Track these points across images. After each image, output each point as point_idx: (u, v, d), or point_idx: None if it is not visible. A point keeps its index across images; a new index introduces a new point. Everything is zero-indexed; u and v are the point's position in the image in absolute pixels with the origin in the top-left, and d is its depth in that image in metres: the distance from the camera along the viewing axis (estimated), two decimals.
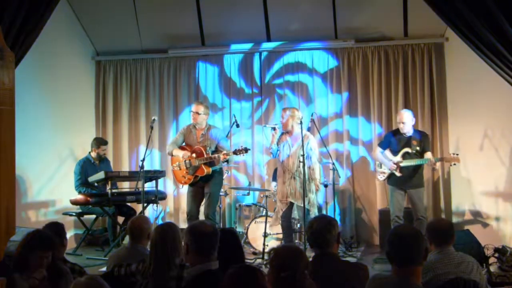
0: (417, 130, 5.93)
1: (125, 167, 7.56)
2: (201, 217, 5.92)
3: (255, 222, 6.25)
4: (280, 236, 6.05)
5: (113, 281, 2.89)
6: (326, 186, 6.51)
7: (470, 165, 6.21)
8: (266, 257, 5.66)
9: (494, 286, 4.31)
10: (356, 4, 6.81)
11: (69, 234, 6.66)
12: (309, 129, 6.18)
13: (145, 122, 7.58)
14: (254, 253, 6.13)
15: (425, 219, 5.60)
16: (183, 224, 7.03)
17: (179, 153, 5.84)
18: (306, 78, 7.33)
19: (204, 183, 5.82)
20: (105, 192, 6.32)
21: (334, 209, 6.60)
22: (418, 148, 5.70)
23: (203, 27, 7.28)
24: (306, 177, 5.48)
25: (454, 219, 6.57)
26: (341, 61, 7.18)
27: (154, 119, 6.09)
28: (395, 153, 5.78)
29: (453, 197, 6.78)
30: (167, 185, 7.46)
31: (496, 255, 4.81)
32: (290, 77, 7.37)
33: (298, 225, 6.22)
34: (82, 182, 6.52)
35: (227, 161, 5.81)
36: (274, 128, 5.80)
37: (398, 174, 5.70)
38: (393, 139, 5.83)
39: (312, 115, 6.22)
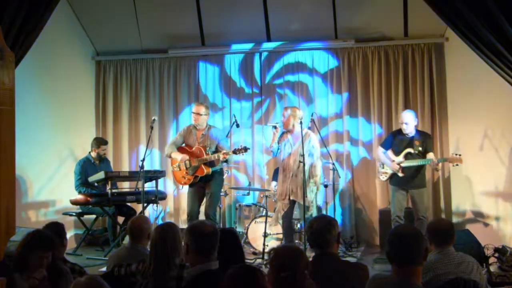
0: (419, 130, 5.94)
1: (125, 167, 7.56)
2: (201, 217, 5.91)
3: (255, 222, 6.25)
4: (280, 236, 6.05)
5: (113, 281, 2.89)
6: (326, 186, 6.51)
7: (470, 165, 6.21)
8: (266, 257, 5.66)
9: (494, 286, 4.31)
10: (356, 4, 6.81)
11: (69, 234, 6.66)
12: (309, 129, 6.17)
13: (145, 122, 7.58)
14: (254, 253, 6.13)
15: (425, 219, 5.60)
16: (183, 224, 7.03)
17: (177, 157, 5.84)
18: (306, 78, 7.33)
19: (205, 184, 5.82)
20: (105, 192, 6.31)
21: (334, 209, 6.59)
22: (420, 148, 5.70)
23: (203, 27, 7.28)
24: (307, 175, 5.48)
25: (454, 219, 6.57)
26: (341, 61, 7.18)
27: (154, 119, 6.09)
28: (397, 153, 5.78)
29: (453, 197, 6.78)
30: (167, 185, 7.46)
31: (496, 255, 4.81)
32: (290, 77, 7.38)
33: (298, 225, 6.22)
34: (82, 182, 6.52)
35: (226, 161, 5.81)
36: (275, 127, 5.79)
37: (400, 174, 5.71)
38: (395, 139, 5.84)
39: (312, 115, 6.23)
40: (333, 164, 6.34)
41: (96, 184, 6.49)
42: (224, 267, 2.46)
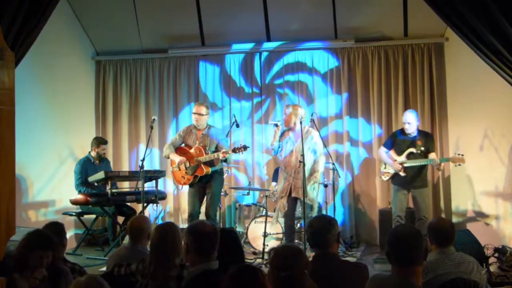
0: (421, 130, 5.94)
1: (125, 167, 7.56)
2: (202, 217, 5.91)
3: (255, 222, 6.25)
4: (280, 236, 6.05)
5: (113, 281, 2.89)
6: (326, 186, 6.51)
7: (470, 165, 6.21)
8: (266, 257, 5.66)
9: (494, 286, 4.30)
10: (356, 4, 6.81)
11: (69, 234, 6.66)
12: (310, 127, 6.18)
13: (145, 122, 7.59)
14: (254, 253, 6.13)
15: (426, 219, 5.60)
16: (183, 224, 7.03)
17: (176, 159, 5.84)
18: (306, 78, 7.34)
19: (205, 184, 5.82)
20: (105, 192, 6.31)
21: (334, 209, 6.59)
22: (422, 148, 5.71)
23: (203, 27, 7.28)
24: (308, 173, 5.49)
25: (454, 219, 6.58)
26: (341, 61, 7.18)
27: (154, 119, 6.09)
28: (399, 153, 5.79)
29: (453, 197, 6.78)
30: (167, 185, 7.46)
31: (496, 255, 4.81)
32: (290, 77, 7.38)
33: (299, 224, 6.22)
34: (82, 182, 6.52)
35: (225, 160, 5.81)
36: (276, 125, 5.79)
37: (402, 174, 5.71)
38: (397, 139, 5.85)
39: (312, 115, 6.22)
40: (333, 164, 6.34)
41: (96, 184, 6.49)
42: (224, 267, 2.45)
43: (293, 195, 5.61)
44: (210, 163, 5.73)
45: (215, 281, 2.43)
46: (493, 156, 5.91)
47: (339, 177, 6.76)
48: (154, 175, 6.38)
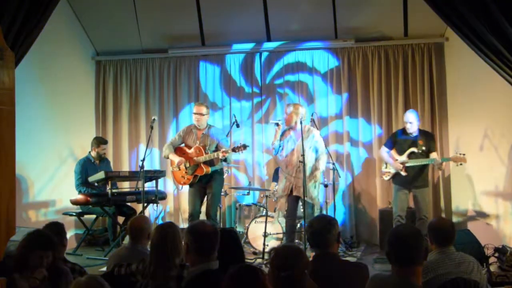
0: (422, 130, 5.95)
1: (125, 167, 7.56)
2: (202, 217, 5.91)
3: (255, 222, 6.24)
4: (280, 236, 6.05)
5: (113, 281, 2.89)
6: (326, 186, 6.51)
7: (470, 165, 6.20)
8: (266, 257, 5.66)
9: (494, 286, 4.30)
10: (356, 4, 6.81)
11: (69, 234, 6.66)
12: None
13: (145, 122, 7.59)
14: (254, 253, 6.13)
15: (427, 219, 5.61)
16: (183, 224, 7.03)
17: (175, 159, 5.84)
18: (306, 78, 7.34)
19: (206, 184, 5.82)
20: (105, 192, 6.31)
21: (334, 209, 6.59)
22: (424, 148, 5.72)
23: (203, 27, 7.28)
24: (310, 171, 5.50)
25: (454, 219, 6.58)
26: (341, 61, 7.18)
27: (154, 119, 6.09)
28: (400, 152, 5.79)
29: (453, 197, 6.78)
30: (167, 185, 7.46)
31: (496, 254, 4.81)
32: (290, 77, 7.38)
33: (299, 224, 6.21)
34: (83, 182, 6.52)
35: (225, 160, 5.80)
36: (277, 124, 5.79)
37: (403, 173, 5.71)
38: (398, 139, 5.86)
39: (312, 115, 6.23)
40: (334, 164, 6.34)
41: (96, 184, 6.48)
42: (224, 267, 2.45)
43: (294, 193, 5.61)
44: (210, 163, 5.73)
45: (215, 281, 2.43)
46: (493, 156, 5.91)
47: (339, 177, 6.76)
48: (154, 175, 6.38)
